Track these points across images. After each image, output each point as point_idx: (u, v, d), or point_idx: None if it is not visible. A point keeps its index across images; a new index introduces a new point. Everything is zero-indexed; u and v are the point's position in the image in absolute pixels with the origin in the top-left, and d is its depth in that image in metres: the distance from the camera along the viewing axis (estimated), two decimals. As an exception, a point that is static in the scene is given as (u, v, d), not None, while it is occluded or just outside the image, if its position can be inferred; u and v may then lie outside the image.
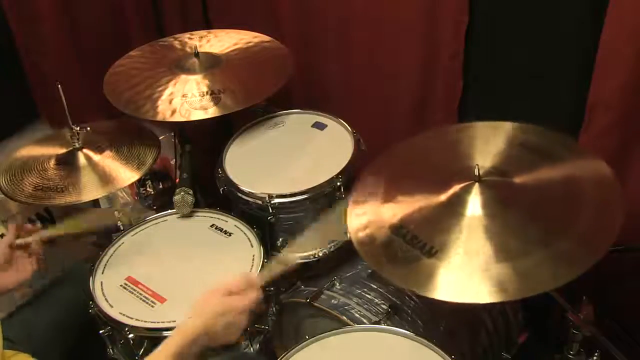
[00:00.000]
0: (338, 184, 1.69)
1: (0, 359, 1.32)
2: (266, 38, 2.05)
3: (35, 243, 1.50)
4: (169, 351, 1.12)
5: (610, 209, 1.23)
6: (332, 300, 1.56)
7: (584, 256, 1.14)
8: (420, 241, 1.26)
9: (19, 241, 1.48)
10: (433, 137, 1.57)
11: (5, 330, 1.38)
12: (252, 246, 1.62)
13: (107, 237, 1.83)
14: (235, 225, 1.70)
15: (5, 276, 1.45)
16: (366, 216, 1.37)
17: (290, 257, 1.29)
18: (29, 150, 1.79)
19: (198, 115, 1.75)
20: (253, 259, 1.58)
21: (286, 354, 1.35)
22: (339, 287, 1.62)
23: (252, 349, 1.52)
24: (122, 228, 1.78)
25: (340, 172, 1.71)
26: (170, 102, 1.79)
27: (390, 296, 1.58)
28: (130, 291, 1.53)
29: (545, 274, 1.14)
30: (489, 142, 1.43)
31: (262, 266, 1.28)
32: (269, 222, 1.70)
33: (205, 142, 2.11)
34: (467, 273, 1.18)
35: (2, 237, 2.13)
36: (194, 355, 1.14)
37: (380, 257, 1.29)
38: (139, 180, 1.99)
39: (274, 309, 1.62)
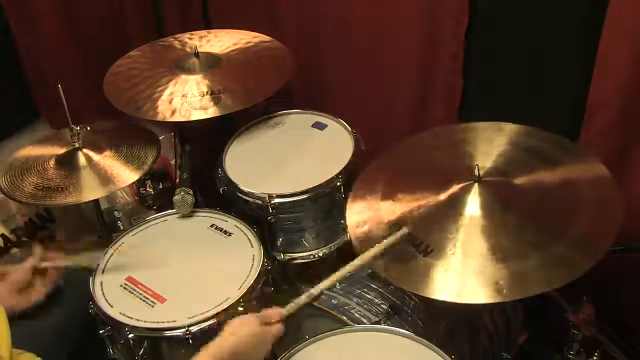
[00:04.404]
0: (338, 184, 1.69)
1: (8, 357, 1.32)
2: (266, 38, 2.05)
3: (54, 269, 1.51)
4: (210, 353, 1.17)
5: (608, 211, 1.23)
6: (332, 300, 1.56)
7: (581, 259, 1.14)
8: (416, 239, 1.26)
9: (43, 264, 1.49)
10: (434, 137, 1.57)
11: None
12: (252, 246, 1.62)
13: (107, 237, 1.84)
14: (235, 225, 1.69)
15: (22, 297, 1.46)
16: (365, 213, 1.38)
17: (316, 293, 1.32)
18: (29, 150, 1.79)
19: (198, 115, 1.75)
20: (253, 259, 1.58)
21: (286, 354, 1.35)
22: (339, 287, 1.62)
23: None
24: (122, 228, 1.77)
25: (340, 172, 1.71)
26: (170, 102, 1.79)
27: (390, 296, 1.58)
28: (130, 291, 1.53)
29: (542, 276, 1.14)
30: (490, 144, 1.44)
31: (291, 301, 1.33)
32: (269, 222, 1.70)
33: (205, 142, 2.11)
34: (462, 273, 1.19)
35: (2, 237, 2.14)
36: None
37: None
38: (139, 181, 1.99)
39: (274, 309, 1.62)
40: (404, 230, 1.30)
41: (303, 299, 1.30)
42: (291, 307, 1.29)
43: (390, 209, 1.36)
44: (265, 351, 1.23)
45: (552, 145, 1.41)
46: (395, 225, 1.32)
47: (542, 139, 1.43)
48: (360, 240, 1.34)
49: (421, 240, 1.26)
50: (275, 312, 1.26)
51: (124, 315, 1.46)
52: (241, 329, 1.22)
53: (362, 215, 1.38)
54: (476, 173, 1.31)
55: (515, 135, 1.45)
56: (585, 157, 1.39)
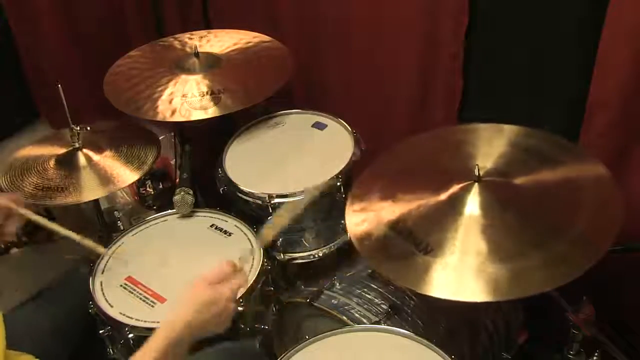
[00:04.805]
0: (338, 184, 1.69)
1: (2, 357, 1.32)
2: (266, 38, 2.05)
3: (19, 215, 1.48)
4: (158, 346, 1.12)
5: (608, 211, 1.23)
6: (332, 300, 1.56)
7: (580, 259, 1.15)
8: (416, 238, 1.27)
9: None
10: (435, 138, 1.58)
11: (7, 330, 1.38)
12: (252, 246, 1.62)
13: (107, 237, 1.84)
14: (235, 225, 1.70)
15: None
16: (365, 212, 1.38)
17: (264, 232, 1.29)
18: (29, 150, 1.79)
19: (198, 115, 1.75)
20: (253, 259, 1.58)
21: (286, 354, 1.35)
22: (339, 287, 1.62)
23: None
24: (122, 228, 1.77)
25: (340, 172, 1.71)
26: (170, 102, 1.79)
27: (390, 296, 1.58)
28: (130, 291, 1.53)
29: (540, 276, 1.15)
30: (490, 145, 1.44)
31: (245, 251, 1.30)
32: (269, 222, 1.70)
33: (205, 142, 2.11)
34: (461, 271, 1.19)
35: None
36: (185, 348, 1.14)
37: (376, 253, 1.30)
38: (139, 180, 1.99)
39: (274, 309, 1.62)
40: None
41: (255, 243, 1.29)
42: (245, 255, 1.26)
43: (390, 208, 1.36)
44: (226, 309, 1.16)
45: (552, 146, 1.41)
46: (395, 224, 1.32)
47: (542, 140, 1.43)
48: (359, 238, 1.34)
49: (420, 239, 1.26)
50: (224, 266, 1.19)
51: (124, 315, 1.47)
52: (191, 300, 1.15)
53: (361, 213, 1.39)
54: (476, 173, 1.32)
55: (515, 136, 1.46)
56: (585, 157, 1.39)
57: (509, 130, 1.47)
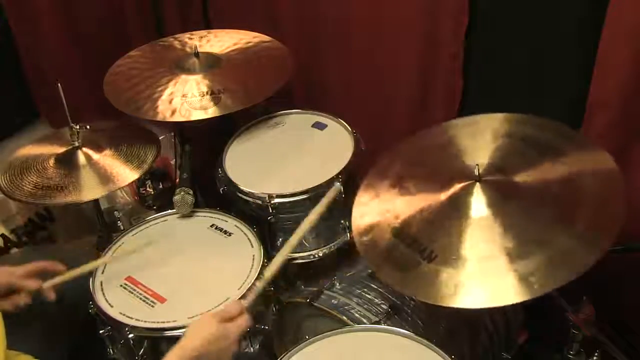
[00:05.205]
0: (338, 184, 1.69)
1: (3, 357, 1.31)
2: (266, 38, 2.05)
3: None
4: None
5: (611, 205, 1.22)
6: (332, 300, 1.56)
7: (584, 256, 1.14)
8: (420, 245, 1.26)
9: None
10: (433, 135, 1.57)
11: (7, 329, 1.38)
12: (252, 246, 1.62)
13: (107, 237, 1.84)
14: (235, 225, 1.70)
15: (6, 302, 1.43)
16: (369, 217, 1.37)
17: (268, 274, 1.35)
18: (29, 150, 1.79)
19: (198, 115, 1.75)
20: (253, 259, 1.58)
21: (286, 354, 1.35)
22: (339, 287, 1.62)
23: (252, 349, 1.52)
24: (122, 228, 1.77)
25: (340, 172, 1.71)
26: (170, 102, 1.79)
27: (390, 296, 1.58)
28: (130, 291, 1.53)
29: (546, 275, 1.14)
30: (485, 137, 1.43)
31: (249, 289, 1.36)
32: (269, 222, 1.70)
33: (205, 142, 2.11)
34: (467, 278, 1.18)
35: (2, 237, 2.14)
36: None
37: (382, 263, 1.29)
38: (139, 180, 1.99)
39: (274, 309, 1.62)
40: (337, 185, 1.38)
41: (258, 285, 1.33)
42: (250, 297, 1.31)
43: (393, 214, 1.35)
44: (231, 347, 1.22)
45: (554, 134, 1.39)
46: (398, 231, 1.32)
47: (537, 127, 1.41)
48: (365, 248, 1.33)
49: (425, 246, 1.25)
50: (234, 306, 1.25)
51: (124, 315, 1.47)
52: (201, 330, 1.20)
53: (366, 220, 1.38)
54: (476, 173, 1.31)
55: (509, 124, 1.44)
56: (589, 145, 1.38)
57: (502, 119, 1.45)
